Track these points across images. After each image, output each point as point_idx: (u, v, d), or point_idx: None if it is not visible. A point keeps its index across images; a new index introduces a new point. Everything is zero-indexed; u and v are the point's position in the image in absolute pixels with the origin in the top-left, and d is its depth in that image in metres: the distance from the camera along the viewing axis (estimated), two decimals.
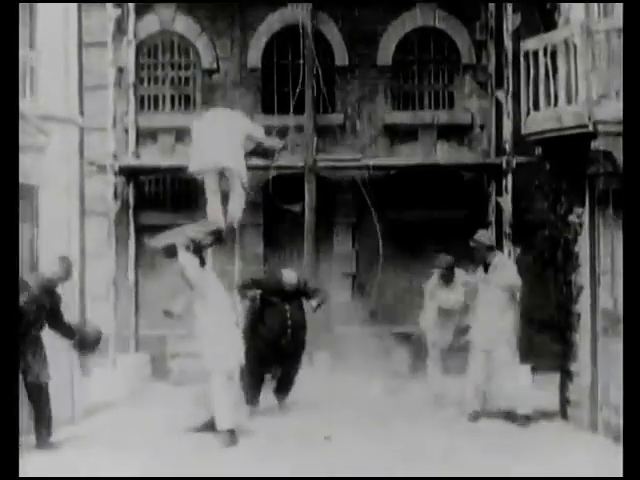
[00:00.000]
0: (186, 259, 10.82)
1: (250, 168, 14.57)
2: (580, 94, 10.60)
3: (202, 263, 10.97)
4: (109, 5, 14.59)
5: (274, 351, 12.09)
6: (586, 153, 10.75)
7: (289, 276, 12.22)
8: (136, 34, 15.17)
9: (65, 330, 10.60)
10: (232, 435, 10.65)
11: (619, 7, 10.13)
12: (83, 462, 9.83)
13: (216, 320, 10.78)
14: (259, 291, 12.17)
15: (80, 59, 12.58)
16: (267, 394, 12.28)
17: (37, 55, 11.41)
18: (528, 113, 11.41)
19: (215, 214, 11.45)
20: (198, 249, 10.99)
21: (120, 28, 14.89)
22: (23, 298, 10.10)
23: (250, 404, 12.06)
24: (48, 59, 11.55)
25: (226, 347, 10.76)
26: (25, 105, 10.95)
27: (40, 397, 10.31)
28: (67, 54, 12.03)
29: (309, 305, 12.30)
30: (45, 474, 9.33)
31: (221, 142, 11.37)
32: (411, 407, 12.46)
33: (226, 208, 11.49)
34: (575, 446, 10.51)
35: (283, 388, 12.32)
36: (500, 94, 14.76)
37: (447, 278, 12.36)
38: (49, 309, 10.40)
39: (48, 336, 10.52)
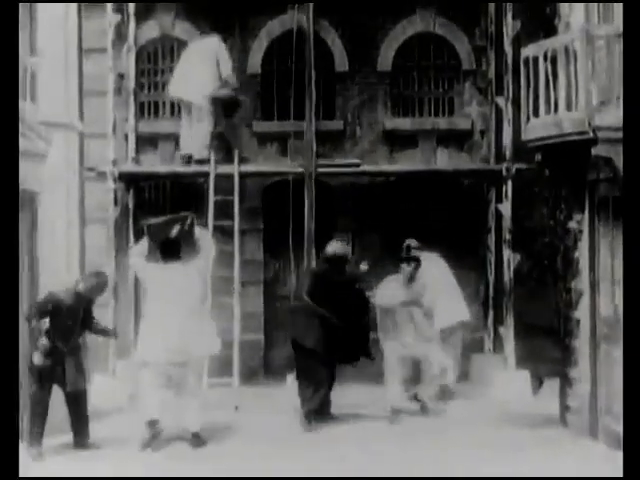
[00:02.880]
0: (135, 249, 11.05)
1: (249, 174, 14.78)
2: (580, 100, 10.60)
3: (166, 255, 10.89)
4: (109, 11, 14.55)
5: None
6: (586, 159, 10.74)
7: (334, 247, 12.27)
8: (136, 40, 15.16)
9: (99, 331, 11.40)
10: (154, 431, 10.88)
11: (619, 13, 10.14)
12: (82, 469, 9.85)
13: (154, 313, 10.88)
14: None
15: (80, 65, 12.61)
16: None
17: (37, 61, 11.42)
18: (528, 119, 11.40)
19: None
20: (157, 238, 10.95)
21: (120, 34, 14.87)
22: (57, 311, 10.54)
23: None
24: (48, 65, 11.55)
25: (160, 341, 10.81)
26: (25, 111, 10.96)
27: (80, 403, 10.88)
28: (67, 60, 12.05)
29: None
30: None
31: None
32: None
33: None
34: (575, 453, 10.50)
35: None
36: (500, 100, 14.75)
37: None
38: (82, 318, 10.86)
39: None
